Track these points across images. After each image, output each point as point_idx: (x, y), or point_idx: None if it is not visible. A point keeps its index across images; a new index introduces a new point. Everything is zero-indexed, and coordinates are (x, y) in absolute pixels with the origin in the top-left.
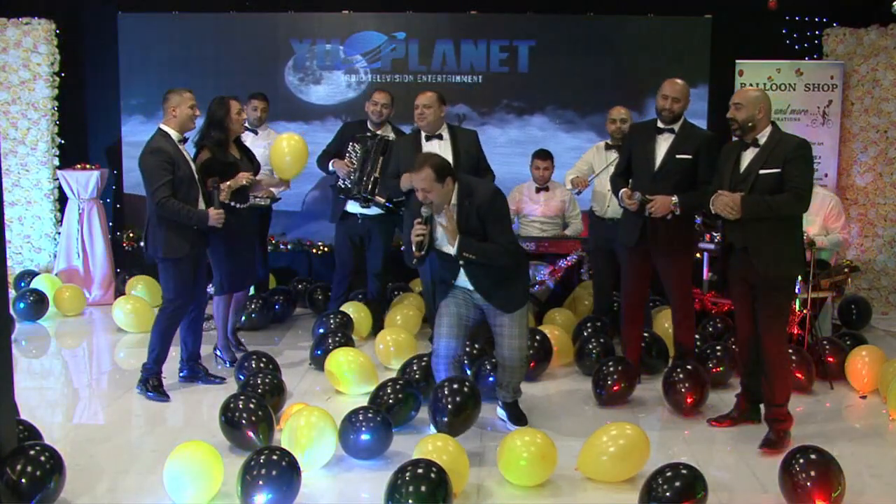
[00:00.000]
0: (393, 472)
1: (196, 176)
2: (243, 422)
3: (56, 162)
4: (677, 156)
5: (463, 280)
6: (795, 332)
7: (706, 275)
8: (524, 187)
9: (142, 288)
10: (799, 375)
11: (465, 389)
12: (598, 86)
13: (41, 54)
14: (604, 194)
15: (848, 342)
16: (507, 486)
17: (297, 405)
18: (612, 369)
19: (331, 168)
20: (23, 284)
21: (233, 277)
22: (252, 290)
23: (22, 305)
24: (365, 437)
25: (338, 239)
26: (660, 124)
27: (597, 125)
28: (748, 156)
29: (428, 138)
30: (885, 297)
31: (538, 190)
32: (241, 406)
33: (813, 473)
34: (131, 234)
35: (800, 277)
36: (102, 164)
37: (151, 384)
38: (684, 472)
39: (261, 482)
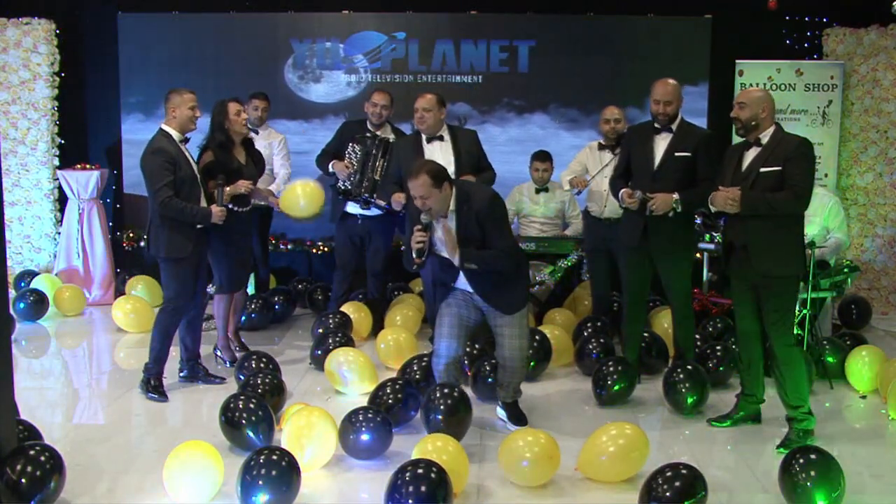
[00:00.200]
0: (393, 472)
1: (198, 176)
2: (243, 422)
3: (56, 162)
4: (676, 154)
5: (462, 283)
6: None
7: (706, 275)
8: (524, 188)
9: (142, 288)
10: None
11: (456, 394)
12: (598, 86)
13: (41, 54)
14: (601, 194)
15: (848, 342)
16: (508, 485)
17: (297, 405)
18: (612, 369)
19: (330, 169)
20: (23, 284)
21: (232, 277)
22: (252, 290)
23: (22, 305)
24: (365, 437)
25: (338, 239)
26: (657, 125)
27: (597, 124)
28: (750, 155)
29: (429, 140)
30: (885, 297)
31: (538, 191)
32: (241, 406)
33: (813, 473)
34: (131, 234)
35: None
36: (102, 164)
37: (152, 384)
38: (684, 472)
39: (261, 482)
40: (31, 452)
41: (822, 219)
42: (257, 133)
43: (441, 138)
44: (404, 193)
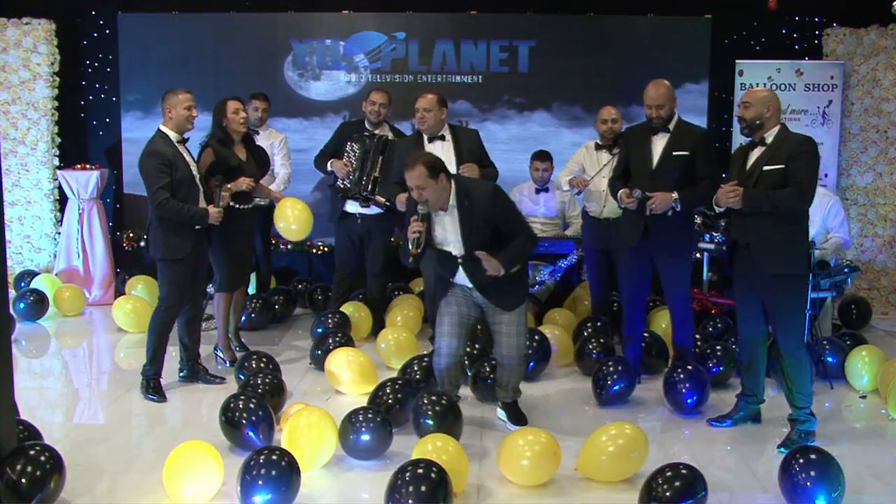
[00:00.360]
0: (393, 472)
1: (197, 176)
2: (243, 422)
3: (56, 162)
4: (674, 153)
5: (461, 278)
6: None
7: (706, 275)
8: (524, 188)
9: (142, 288)
10: None
11: (444, 402)
12: (598, 86)
13: (41, 54)
14: (599, 194)
15: (848, 342)
16: (508, 485)
17: (297, 405)
18: (612, 369)
19: (329, 168)
20: (23, 284)
21: (233, 276)
22: (253, 289)
23: (22, 305)
24: (365, 437)
25: (337, 239)
26: (653, 125)
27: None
28: (755, 154)
29: (430, 140)
30: (885, 297)
31: (538, 191)
32: (241, 406)
33: (813, 473)
34: (131, 234)
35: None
36: (102, 164)
37: (151, 385)
38: (684, 472)
39: (261, 482)
40: (31, 452)
41: (822, 219)
42: (258, 133)
43: (442, 138)
44: (406, 193)
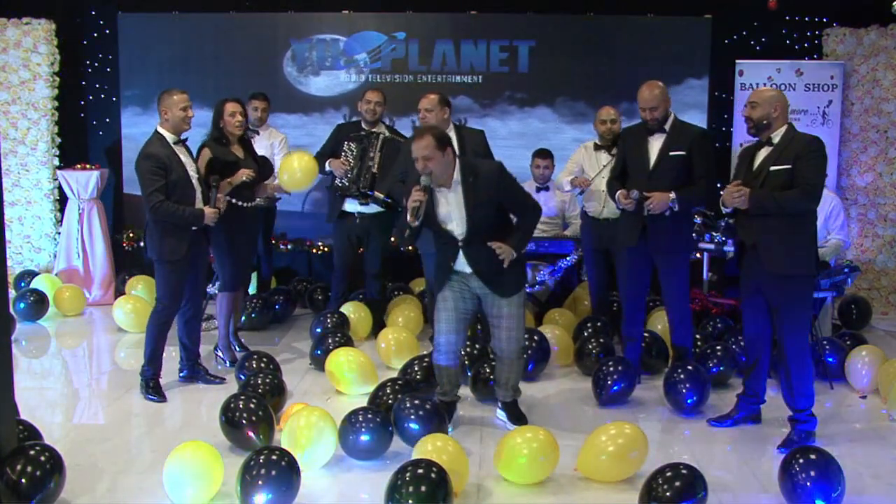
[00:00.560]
0: (393, 473)
1: (195, 176)
2: (243, 422)
3: (56, 162)
4: (671, 153)
5: (461, 264)
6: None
7: (706, 275)
8: (525, 186)
9: (142, 288)
10: None
11: (428, 406)
12: (598, 86)
13: (41, 54)
14: (599, 194)
15: (848, 342)
16: (508, 485)
17: (297, 405)
18: (612, 369)
19: (327, 168)
20: (23, 284)
21: (235, 275)
22: (254, 289)
23: (22, 305)
24: (364, 437)
25: (336, 238)
26: (649, 126)
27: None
28: (762, 154)
29: None
30: (885, 297)
31: (539, 189)
32: (241, 406)
33: (813, 473)
34: (131, 234)
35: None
36: (102, 164)
37: (151, 385)
38: (684, 472)
39: (260, 482)
40: (31, 452)
41: (824, 219)
42: (258, 133)
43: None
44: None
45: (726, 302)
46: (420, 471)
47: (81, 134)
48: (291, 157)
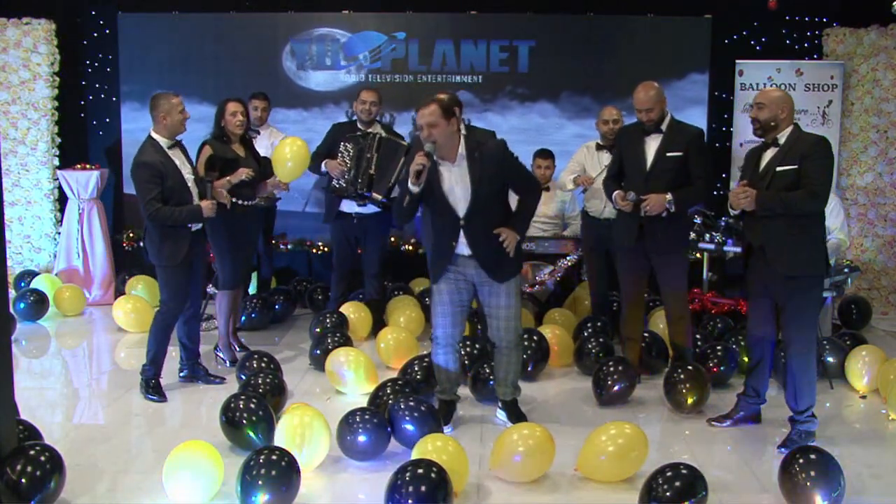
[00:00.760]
0: (393, 472)
1: (191, 178)
2: (243, 422)
3: (56, 162)
4: (667, 154)
5: (461, 246)
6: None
7: (706, 275)
8: None
9: (142, 288)
10: None
11: (423, 408)
12: (598, 86)
13: (41, 54)
14: (601, 193)
15: (848, 342)
16: (507, 485)
17: (298, 405)
18: (612, 369)
19: (323, 169)
20: (23, 284)
21: (236, 275)
22: (254, 289)
23: (22, 305)
24: (362, 438)
25: (334, 239)
26: (645, 127)
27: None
28: (768, 155)
29: None
30: (885, 297)
31: None
32: (241, 406)
33: (813, 473)
34: (131, 234)
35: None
36: (102, 164)
37: (151, 385)
38: (684, 472)
39: (260, 482)
40: (31, 452)
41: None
42: (258, 133)
43: None
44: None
45: (726, 302)
46: (420, 471)
47: (81, 134)
48: (283, 143)
